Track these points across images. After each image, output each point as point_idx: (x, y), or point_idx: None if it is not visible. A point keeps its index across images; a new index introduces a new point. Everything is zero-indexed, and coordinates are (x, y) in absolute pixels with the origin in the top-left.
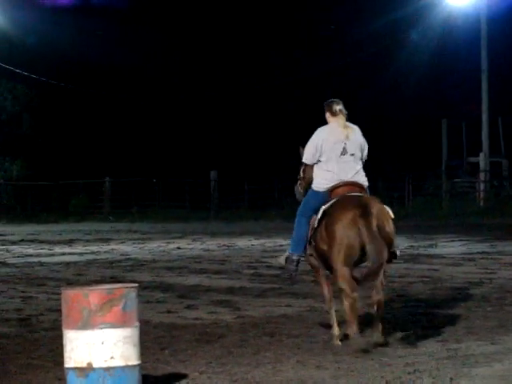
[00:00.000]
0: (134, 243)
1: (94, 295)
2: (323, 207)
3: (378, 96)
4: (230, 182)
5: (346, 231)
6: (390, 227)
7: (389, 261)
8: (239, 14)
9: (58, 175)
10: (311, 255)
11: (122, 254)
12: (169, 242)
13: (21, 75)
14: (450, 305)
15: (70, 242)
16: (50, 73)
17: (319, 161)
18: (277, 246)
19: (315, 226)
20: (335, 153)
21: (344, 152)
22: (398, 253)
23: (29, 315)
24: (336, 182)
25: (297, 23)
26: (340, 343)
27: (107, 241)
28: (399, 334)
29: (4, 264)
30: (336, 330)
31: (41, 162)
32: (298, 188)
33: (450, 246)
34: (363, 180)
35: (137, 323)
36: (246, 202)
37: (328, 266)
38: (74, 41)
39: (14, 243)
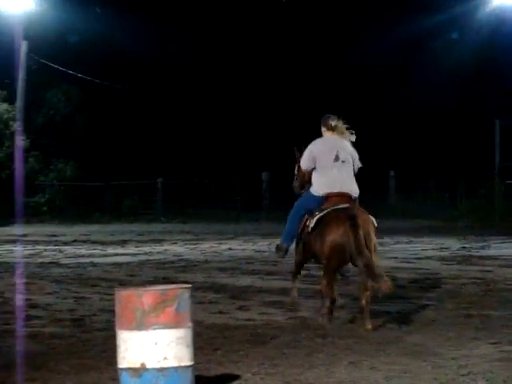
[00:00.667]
0: (186, 244)
1: (147, 296)
2: (317, 216)
3: (430, 96)
4: (282, 183)
5: (337, 242)
6: (373, 235)
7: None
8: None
9: (110, 176)
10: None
11: (174, 255)
12: (221, 243)
13: (74, 77)
14: (502, 306)
15: (122, 243)
16: (103, 74)
17: (315, 168)
18: None
19: (309, 230)
20: (329, 160)
21: (336, 159)
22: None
23: (82, 316)
24: (330, 190)
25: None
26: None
27: (160, 241)
28: (452, 336)
29: (57, 264)
30: (294, 295)
31: (93, 162)
32: (295, 183)
33: (503, 248)
34: (354, 187)
35: (190, 324)
36: None
37: (309, 257)
38: (128, 42)
39: (66, 244)
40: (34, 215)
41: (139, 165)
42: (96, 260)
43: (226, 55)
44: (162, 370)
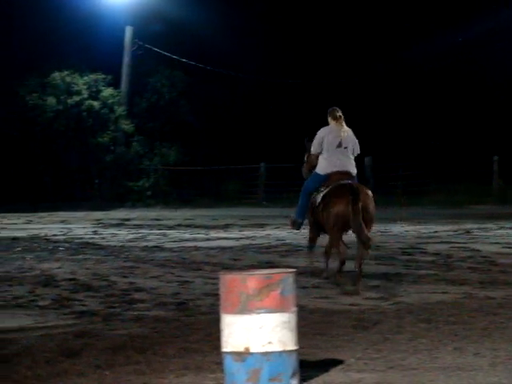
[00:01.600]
0: (289, 228)
1: (251, 280)
2: (323, 192)
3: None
4: (385, 168)
5: (340, 212)
6: (372, 207)
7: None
8: None
9: (213, 160)
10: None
11: (277, 240)
12: None
13: (178, 61)
14: None
15: (225, 227)
16: (206, 59)
17: (321, 152)
18: (431, 233)
19: (316, 204)
20: (333, 145)
21: (339, 145)
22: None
23: (186, 299)
24: (333, 169)
25: None
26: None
27: (262, 226)
28: None
29: (161, 248)
30: (311, 262)
31: (197, 147)
32: (304, 169)
33: None
34: (353, 168)
35: (294, 308)
36: (401, 188)
37: (319, 227)
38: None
39: (170, 228)
40: (138, 199)
41: (242, 149)
42: (199, 244)
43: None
44: (266, 354)
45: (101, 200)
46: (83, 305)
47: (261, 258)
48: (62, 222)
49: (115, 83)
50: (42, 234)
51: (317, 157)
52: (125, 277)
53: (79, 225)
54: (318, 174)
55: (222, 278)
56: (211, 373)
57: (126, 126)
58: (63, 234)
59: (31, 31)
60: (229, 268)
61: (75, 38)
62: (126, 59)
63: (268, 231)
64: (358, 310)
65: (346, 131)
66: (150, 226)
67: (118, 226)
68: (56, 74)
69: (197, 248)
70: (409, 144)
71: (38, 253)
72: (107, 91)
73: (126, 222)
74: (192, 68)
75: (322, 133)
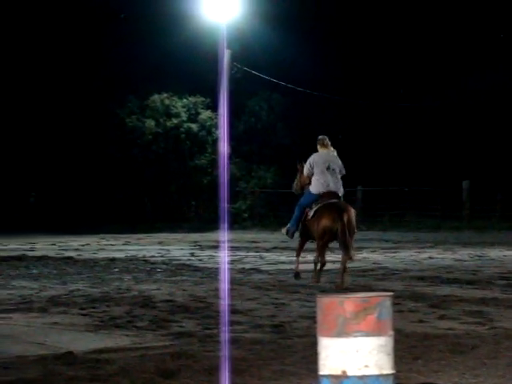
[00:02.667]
0: (385, 252)
1: (349, 303)
2: (315, 208)
3: None
4: (483, 191)
5: (328, 226)
6: (354, 222)
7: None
8: None
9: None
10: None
11: (373, 263)
12: (420, 252)
13: (276, 84)
14: None
15: None
16: (305, 82)
17: (313, 173)
18: None
19: (309, 217)
20: (323, 168)
21: (328, 168)
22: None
23: (282, 322)
24: (324, 190)
25: None
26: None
27: (359, 249)
28: None
29: (258, 271)
30: (297, 267)
31: (294, 170)
32: (294, 185)
33: None
34: (340, 188)
35: (391, 332)
36: (499, 212)
37: (309, 237)
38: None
39: (267, 250)
40: (235, 222)
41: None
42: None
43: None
44: (362, 377)
45: (198, 222)
46: (180, 326)
47: (357, 281)
48: (160, 243)
49: (213, 106)
50: (140, 256)
51: (308, 177)
52: (221, 299)
53: (177, 246)
54: (312, 193)
55: (319, 300)
56: None
57: (227, 147)
58: (161, 256)
59: (131, 54)
60: (325, 291)
61: (174, 61)
62: (224, 82)
63: (364, 254)
64: (454, 335)
65: (333, 156)
66: (247, 249)
67: (214, 247)
68: (155, 97)
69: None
70: (508, 169)
71: (136, 274)
72: (205, 114)
73: (224, 244)
74: (289, 91)
75: (313, 158)
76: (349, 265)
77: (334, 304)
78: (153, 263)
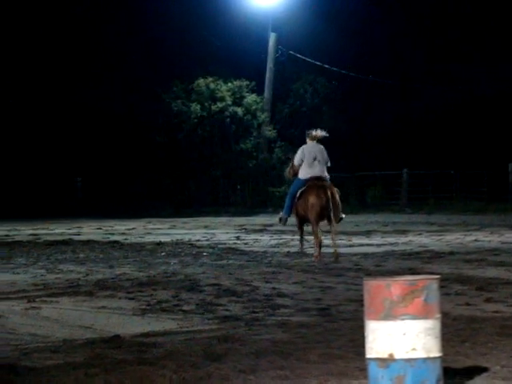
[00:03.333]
0: (431, 235)
1: (396, 286)
2: (301, 190)
3: None
4: None
5: (314, 202)
6: (338, 199)
7: (338, 220)
8: None
9: (355, 167)
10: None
11: (419, 246)
12: (466, 234)
13: (321, 68)
14: None
15: (367, 234)
16: (350, 64)
17: (302, 163)
18: None
19: (297, 200)
20: (311, 159)
21: (315, 159)
22: (343, 216)
23: (328, 305)
24: (310, 175)
25: None
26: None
27: (404, 232)
28: None
29: (303, 254)
30: (301, 247)
31: (339, 153)
32: (287, 173)
33: None
34: (325, 173)
35: (438, 315)
36: None
37: (302, 219)
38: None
39: (311, 233)
40: (280, 205)
41: (385, 155)
42: (342, 250)
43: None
44: (409, 360)
45: (243, 206)
46: (227, 309)
47: (403, 264)
48: (206, 227)
49: (258, 89)
50: (186, 240)
51: (299, 166)
52: (268, 282)
53: (222, 230)
54: (300, 179)
55: (366, 284)
56: (355, 379)
57: (269, 132)
58: (207, 240)
59: (177, 39)
60: (371, 274)
61: (219, 45)
62: (270, 65)
63: (410, 237)
64: (501, 317)
65: (321, 148)
66: (293, 232)
67: (260, 231)
68: (200, 81)
69: (340, 254)
70: None
71: (182, 258)
72: (250, 97)
73: (268, 228)
74: (334, 74)
75: (301, 150)
76: (396, 248)
77: (381, 287)
78: (199, 247)
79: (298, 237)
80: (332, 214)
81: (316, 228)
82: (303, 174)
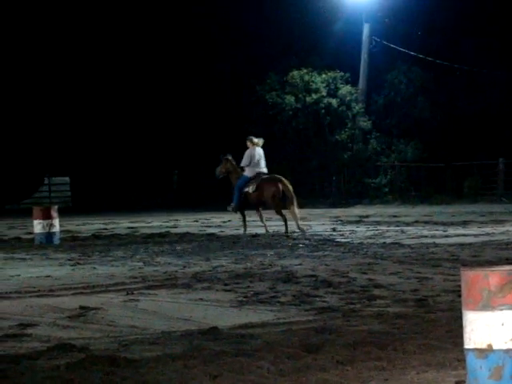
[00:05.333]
0: None
1: (494, 276)
2: (256, 183)
3: None
4: None
5: (275, 189)
6: (291, 187)
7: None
8: None
9: (451, 157)
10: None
11: None
12: None
13: (415, 57)
14: None
15: (463, 224)
16: (443, 54)
17: (249, 164)
18: None
19: (251, 192)
20: (255, 160)
21: (259, 159)
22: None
23: (425, 296)
24: (257, 172)
25: None
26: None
27: (501, 222)
28: None
29: (399, 245)
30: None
31: (434, 143)
32: (218, 171)
33: None
34: (267, 171)
35: None
36: None
37: (256, 205)
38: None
39: (408, 224)
40: (375, 196)
41: (480, 145)
42: (438, 241)
43: None
44: (508, 351)
45: (339, 197)
46: (323, 301)
47: (500, 254)
48: (301, 218)
49: (353, 80)
50: (282, 231)
51: (234, 166)
52: (364, 273)
53: (318, 222)
54: (246, 176)
55: (464, 274)
56: (453, 369)
57: (364, 122)
58: (303, 231)
59: (270, 31)
60: (468, 264)
61: (313, 36)
62: (364, 56)
63: (507, 227)
64: None
65: (261, 151)
66: (388, 223)
67: (356, 222)
68: (295, 73)
69: (435, 245)
70: None
71: (278, 249)
72: (345, 89)
73: (364, 219)
74: (429, 64)
75: (249, 153)
76: (492, 238)
77: (479, 277)
78: (295, 238)
79: (434, 229)
80: (291, 196)
81: (280, 209)
82: (250, 172)
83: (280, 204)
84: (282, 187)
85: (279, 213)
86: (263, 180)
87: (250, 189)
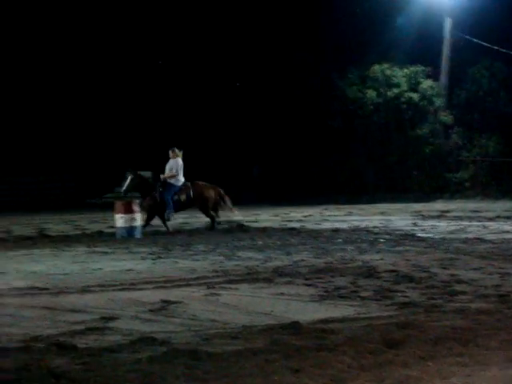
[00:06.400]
0: None
1: None
2: (189, 191)
3: None
4: None
5: (212, 196)
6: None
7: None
8: None
9: None
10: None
11: None
12: None
13: (498, 51)
14: None
15: None
16: None
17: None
18: None
19: (184, 199)
20: (181, 170)
21: (181, 169)
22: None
23: (507, 291)
24: (183, 181)
25: None
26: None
27: None
28: None
29: (481, 240)
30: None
31: None
32: (127, 185)
33: None
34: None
35: None
36: None
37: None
38: None
39: (490, 219)
40: (456, 191)
41: None
42: (507, 236)
43: None
44: None
45: (419, 191)
46: (405, 296)
47: None
48: (382, 213)
49: (434, 75)
50: (363, 226)
51: (144, 179)
52: (445, 268)
53: (399, 216)
54: (175, 186)
55: None
56: None
57: (445, 117)
58: (383, 226)
59: (353, 25)
60: None
61: (395, 31)
62: (445, 51)
63: None
64: None
65: (181, 161)
66: (470, 218)
67: (437, 217)
68: (376, 67)
69: None
70: None
71: (359, 244)
72: (426, 83)
73: (446, 214)
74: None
75: (176, 163)
76: None
77: None
78: (375, 233)
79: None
80: (227, 201)
81: (211, 211)
82: (177, 180)
83: (214, 207)
84: (220, 192)
85: (209, 213)
86: (199, 187)
87: (183, 197)
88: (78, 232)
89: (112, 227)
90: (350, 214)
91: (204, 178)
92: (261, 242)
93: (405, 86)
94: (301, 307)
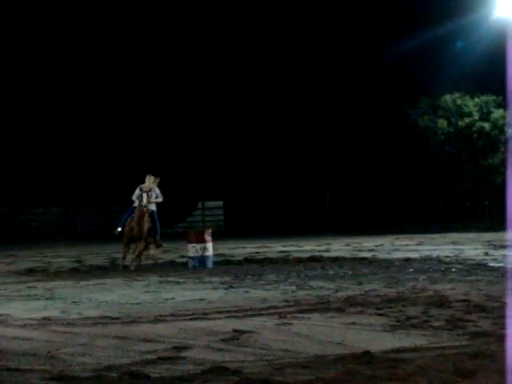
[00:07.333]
0: None
1: None
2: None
3: None
4: None
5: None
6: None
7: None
8: None
9: None
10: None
11: None
12: None
13: None
14: None
15: None
16: None
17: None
18: None
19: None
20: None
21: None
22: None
23: None
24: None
25: None
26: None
27: None
28: None
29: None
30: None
31: None
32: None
33: None
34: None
35: None
36: None
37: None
38: None
39: None
40: None
41: None
42: None
43: None
44: None
45: (491, 221)
46: (476, 325)
47: None
48: (453, 243)
49: (505, 104)
50: (434, 255)
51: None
52: None
53: (470, 246)
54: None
55: None
56: None
57: None
58: (455, 255)
59: (422, 55)
60: None
61: (465, 60)
62: None
63: None
64: None
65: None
66: None
67: (509, 247)
68: (447, 97)
69: None
70: None
71: (431, 274)
72: (498, 112)
73: None
74: None
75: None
76: None
77: None
78: (447, 263)
79: None
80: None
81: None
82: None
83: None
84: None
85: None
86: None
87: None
88: (150, 262)
89: (184, 257)
90: (422, 243)
91: (278, 207)
92: (332, 272)
93: (476, 116)
94: (372, 337)
